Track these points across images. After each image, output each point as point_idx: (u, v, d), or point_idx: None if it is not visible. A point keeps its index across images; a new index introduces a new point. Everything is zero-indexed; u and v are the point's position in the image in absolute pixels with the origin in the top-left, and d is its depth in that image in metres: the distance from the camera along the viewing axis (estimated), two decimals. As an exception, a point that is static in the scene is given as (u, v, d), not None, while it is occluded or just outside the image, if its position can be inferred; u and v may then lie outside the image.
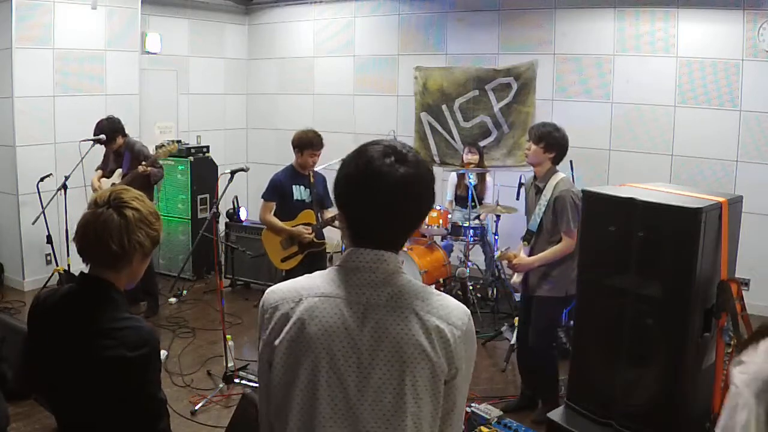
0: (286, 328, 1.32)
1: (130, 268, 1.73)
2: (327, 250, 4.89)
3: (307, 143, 4.43)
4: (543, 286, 3.79)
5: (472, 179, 5.90)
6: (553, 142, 3.71)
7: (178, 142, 7.04)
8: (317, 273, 1.39)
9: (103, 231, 1.65)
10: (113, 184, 5.40)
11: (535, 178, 3.87)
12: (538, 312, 3.86)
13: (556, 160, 3.78)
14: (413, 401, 1.24)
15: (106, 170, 5.61)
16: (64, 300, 1.74)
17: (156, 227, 1.74)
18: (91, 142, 5.74)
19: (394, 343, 1.26)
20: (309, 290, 1.34)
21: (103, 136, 5.71)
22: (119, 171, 5.50)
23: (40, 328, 1.75)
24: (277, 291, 1.38)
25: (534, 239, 3.80)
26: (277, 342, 1.33)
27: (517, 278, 3.93)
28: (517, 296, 5.92)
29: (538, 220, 3.76)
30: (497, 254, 4.15)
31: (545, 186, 3.73)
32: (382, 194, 1.28)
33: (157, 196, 6.56)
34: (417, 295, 1.31)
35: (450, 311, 1.31)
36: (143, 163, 5.39)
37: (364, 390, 1.25)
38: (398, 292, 1.31)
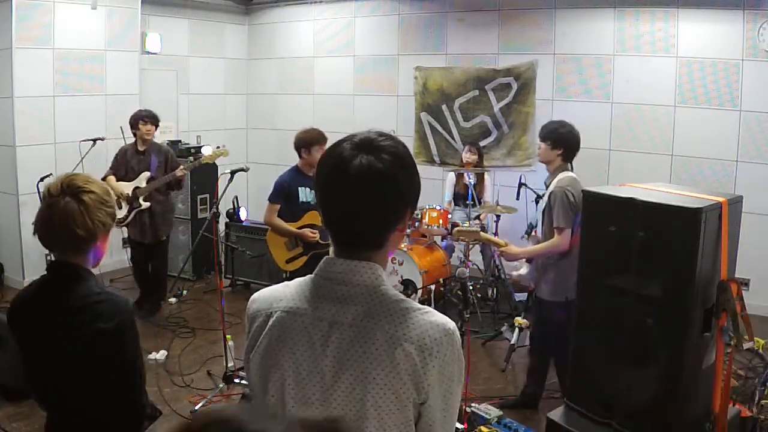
0: (258, 342, 1.31)
1: (96, 248, 1.82)
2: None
3: (315, 139, 4.37)
4: (542, 287, 3.81)
5: (471, 179, 5.90)
6: (559, 139, 3.73)
7: (179, 142, 7.05)
8: (295, 281, 1.33)
9: (66, 219, 1.72)
10: (137, 188, 5.40)
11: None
12: (543, 315, 3.87)
13: (567, 157, 3.76)
14: (377, 425, 1.20)
15: (120, 173, 5.50)
16: (37, 290, 1.82)
17: (111, 204, 1.84)
18: (91, 142, 5.76)
19: (355, 368, 1.20)
20: (280, 302, 1.30)
21: (103, 136, 5.72)
22: (146, 174, 5.47)
23: (21, 323, 1.82)
24: (256, 300, 1.36)
25: (541, 233, 3.83)
26: (251, 355, 1.32)
27: (523, 270, 3.93)
28: (518, 296, 5.94)
29: (540, 216, 3.79)
30: (456, 229, 4.16)
31: (550, 183, 3.76)
32: (346, 187, 1.22)
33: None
34: (388, 314, 1.22)
35: (424, 331, 1.21)
36: (182, 167, 5.47)
37: (328, 412, 1.22)
38: (367, 310, 1.23)
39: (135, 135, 5.51)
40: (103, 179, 5.42)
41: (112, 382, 1.75)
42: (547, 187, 3.83)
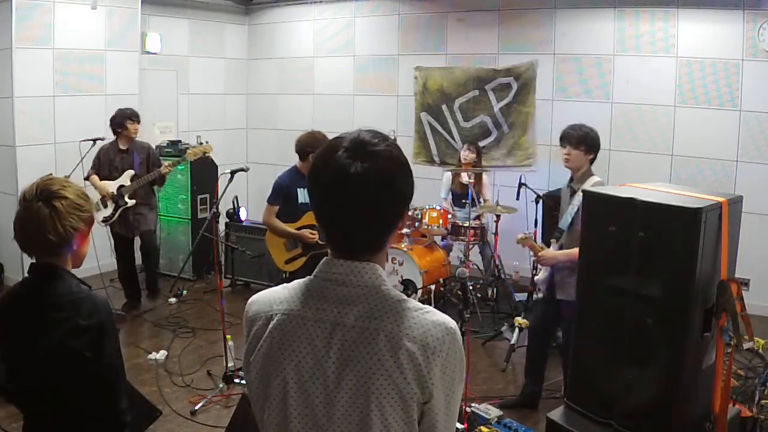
0: (258, 345, 1.30)
1: (72, 251, 1.82)
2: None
3: (320, 146, 4.34)
4: (567, 289, 3.75)
5: (469, 178, 5.90)
6: (592, 144, 3.73)
7: (178, 142, 7.04)
8: (294, 283, 1.33)
9: (38, 224, 1.73)
10: (121, 186, 5.44)
11: (571, 180, 3.85)
12: (568, 316, 3.82)
13: (593, 161, 3.77)
14: (381, 426, 1.20)
15: (103, 172, 5.54)
16: (17, 291, 1.84)
17: (86, 208, 1.83)
18: (91, 142, 5.76)
19: (359, 368, 1.20)
20: (280, 305, 1.30)
21: (103, 136, 5.72)
22: (129, 172, 5.51)
23: (2, 324, 1.82)
24: (255, 303, 1.35)
25: (564, 238, 3.78)
26: (251, 358, 1.31)
27: (542, 274, 3.89)
28: (518, 296, 5.94)
29: (569, 219, 3.74)
30: (519, 236, 4.05)
31: (580, 188, 3.69)
32: (347, 195, 1.21)
33: (158, 196, 6.56)
34: (391, 314, 1.23)
35: (426, 330, 1.22)
36: (166, 164, 5.51)
37: (331, 413, 1.22)
38: (369, 310, 1.23)
39: (118, 134, 5.54)
40: (86, 179, 5.47)
41: (91, 384, 1.74)
42: (574, 191, 3.76)
